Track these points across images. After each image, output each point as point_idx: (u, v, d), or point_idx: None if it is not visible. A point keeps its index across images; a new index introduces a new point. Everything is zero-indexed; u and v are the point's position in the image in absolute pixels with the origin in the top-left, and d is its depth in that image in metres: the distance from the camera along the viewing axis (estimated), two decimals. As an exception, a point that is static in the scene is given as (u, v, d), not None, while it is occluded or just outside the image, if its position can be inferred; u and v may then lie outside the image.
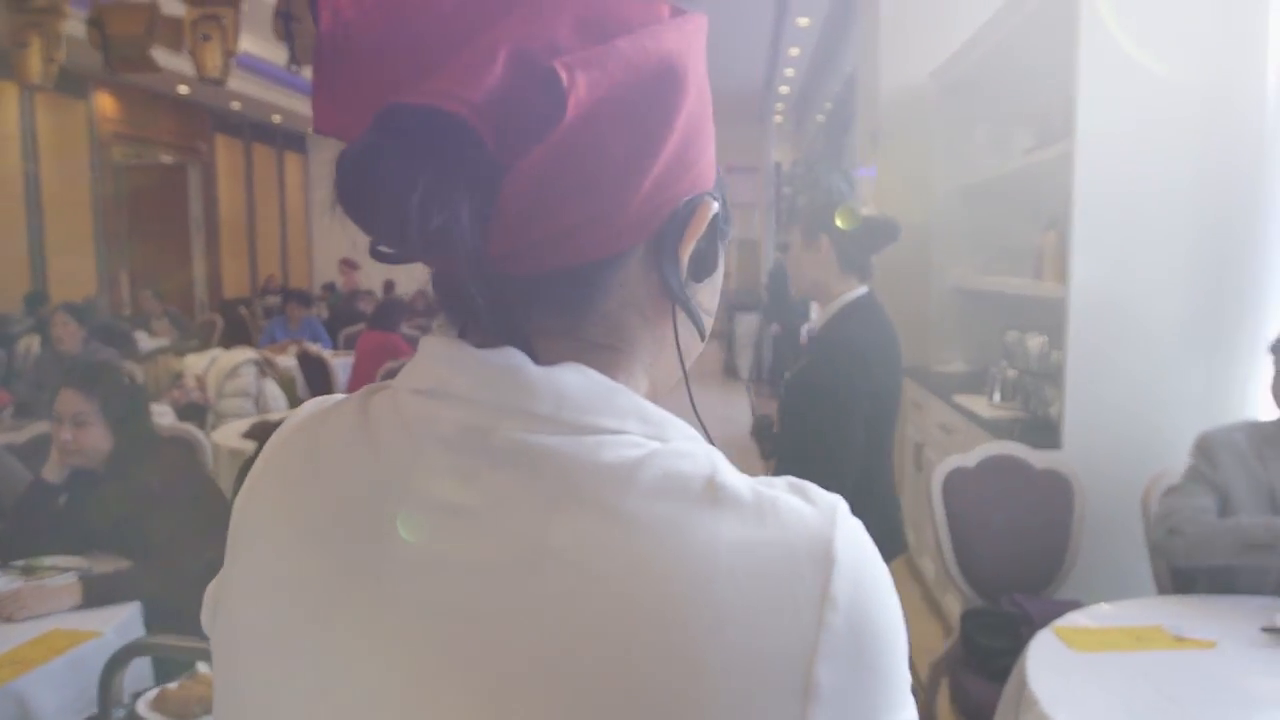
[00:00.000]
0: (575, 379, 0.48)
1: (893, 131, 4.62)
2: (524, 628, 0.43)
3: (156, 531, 2.14)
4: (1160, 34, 2.63)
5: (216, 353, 5.27)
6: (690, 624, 0.42)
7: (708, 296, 0.56)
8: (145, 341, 6.98)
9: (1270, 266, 2.62)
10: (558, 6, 0.46)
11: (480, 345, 0.48)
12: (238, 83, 9.93)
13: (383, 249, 0.47)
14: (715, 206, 0.52)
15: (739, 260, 14.75)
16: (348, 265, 9.98)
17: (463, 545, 0.45)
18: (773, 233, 12.31)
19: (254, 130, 12.40)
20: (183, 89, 10.04)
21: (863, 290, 2.10)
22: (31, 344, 6.13)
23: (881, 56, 4.61)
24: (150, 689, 1.61)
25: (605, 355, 0.51)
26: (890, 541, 2.02)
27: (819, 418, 1.97)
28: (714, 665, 0.42)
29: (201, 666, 1.59)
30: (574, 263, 0.48)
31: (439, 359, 0.49)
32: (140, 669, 1.96)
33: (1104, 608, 1.97)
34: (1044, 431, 2.90)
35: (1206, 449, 2.09)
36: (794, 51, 9.49)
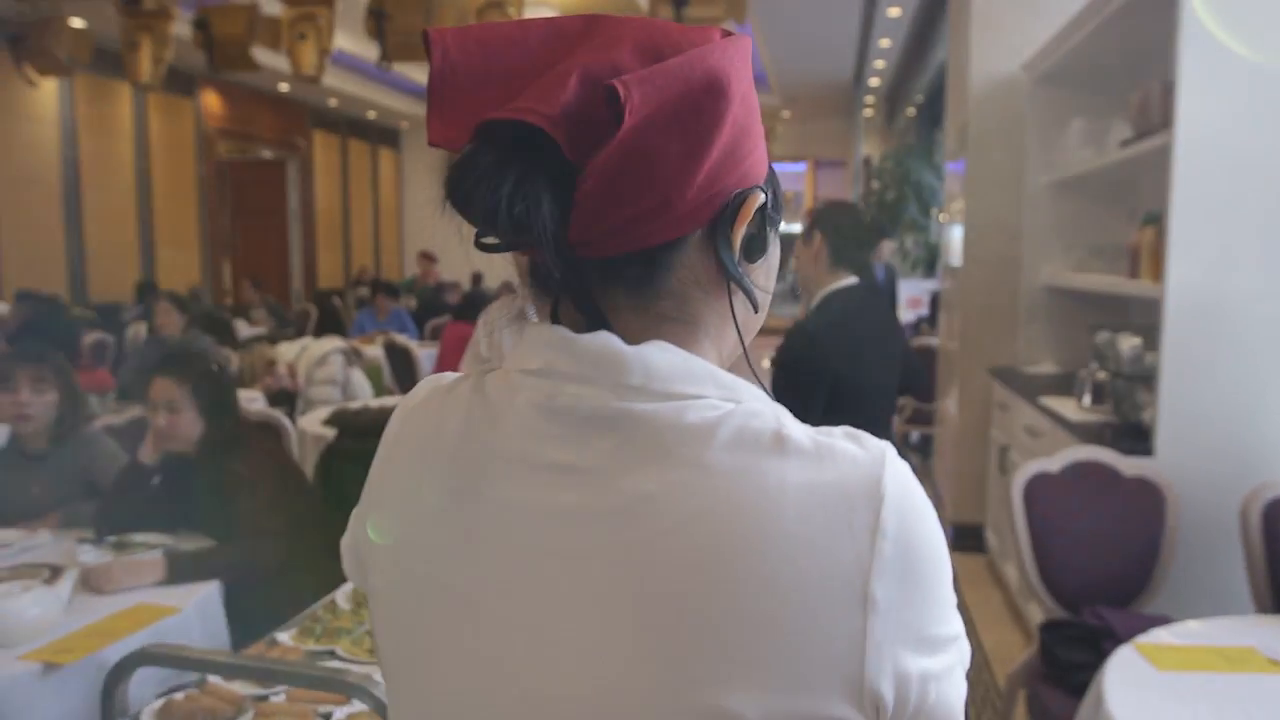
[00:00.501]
0: (659, 354, 0.56)
1: (983, 125, 4.47)
2: (629, 563, 0.53)
3: (240, 513, 2.23)
4: (1265, 20, 2.48)
5: (307, 341, 5.44)
6: (767, 552, 0.51)
7: (762, 276, 0.64)
8: (245, 330, 7.28)
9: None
10: (620, 38, 0.56)
11: (572, 326, 0.58)
12: (334, 79, 10.25)
13: (485, 241, 0.56)
14: (762, 197, 0.59)
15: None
16: (426, 258, 10.17)
17: (574, 498, 0.55)
18: (860, 228, 12.05)
19: (350, 126, 12.78)
20: (283, 86, 10.42)
21: (849, 282, 2.25)
22: (139, 331, 6.45)
23: (973, 48, 4.46)
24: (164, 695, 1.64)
25: (675, 328, 0.59)
26: None
27: (778, 394, 2.27)
28: (787, 585, 0.51)
29: (212, 678, 1.62)
30: (641, 246, 0.56)
31: (544, 344, 0.58)
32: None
33: (1192, 625, 1.87)
34: (1135, 437, 2.77)
35: None
36: (885, 43, 9.30)
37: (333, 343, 5.20)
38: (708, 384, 0.56)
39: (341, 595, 1.95)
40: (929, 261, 10.72)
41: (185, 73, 8.42)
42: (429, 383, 0.67)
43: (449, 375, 0.66)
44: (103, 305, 7.77)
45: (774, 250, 0.64)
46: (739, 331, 0.62)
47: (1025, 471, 2.53)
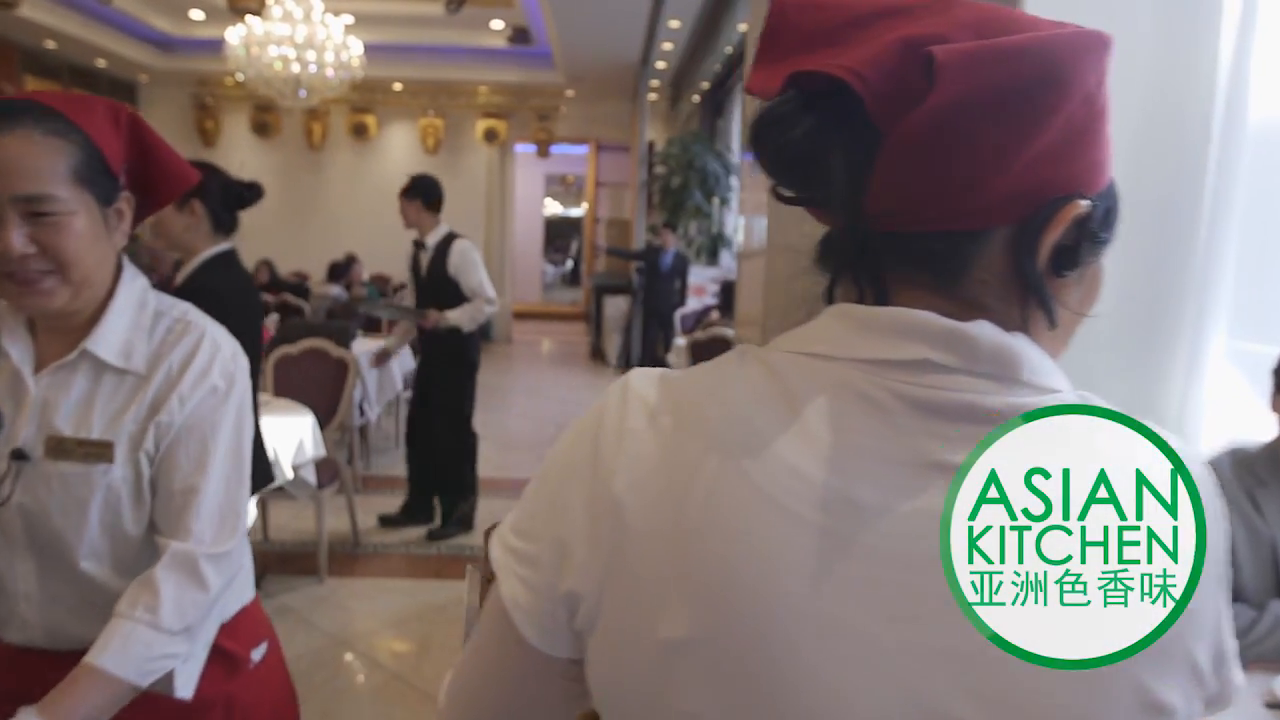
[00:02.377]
0: (1029, 347, 0.55)
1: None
2: None
3: None
4: (1107, 9, 2.36)
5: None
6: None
7: (1073, 294, 0.59)
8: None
9: (1214, 271, 2.41)
10: (958, 17, 0.54)
11: (859, 299, 0.57)
12: (48, 15, 8.81)
13: (781, 193, 0.58)
14: (1084, 207, 0.56)
15: (609, 240, 14.36)
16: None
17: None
18: (644, 213, 11.96)
19: (74, 75, 11.04)
20: (-19, 20, 8.78)
21: (226, 246, 2.42)
22: None
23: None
24: None
25: (975, 316, 0.55)
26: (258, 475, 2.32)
27: None
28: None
29: None
30: (939, 229, 0.55)
31: (918, 332, 0.54)
32: None
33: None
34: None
35: None
36: (674, 24, 9.13)
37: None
38: (1059, 377, 0.56)
39: None
40: (712, 249, 10.76)
41: None
42: (644, 381, 0.59)
43: (662, 372, 0.60)
44: None
45: (1094, 272, 0.60)
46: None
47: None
